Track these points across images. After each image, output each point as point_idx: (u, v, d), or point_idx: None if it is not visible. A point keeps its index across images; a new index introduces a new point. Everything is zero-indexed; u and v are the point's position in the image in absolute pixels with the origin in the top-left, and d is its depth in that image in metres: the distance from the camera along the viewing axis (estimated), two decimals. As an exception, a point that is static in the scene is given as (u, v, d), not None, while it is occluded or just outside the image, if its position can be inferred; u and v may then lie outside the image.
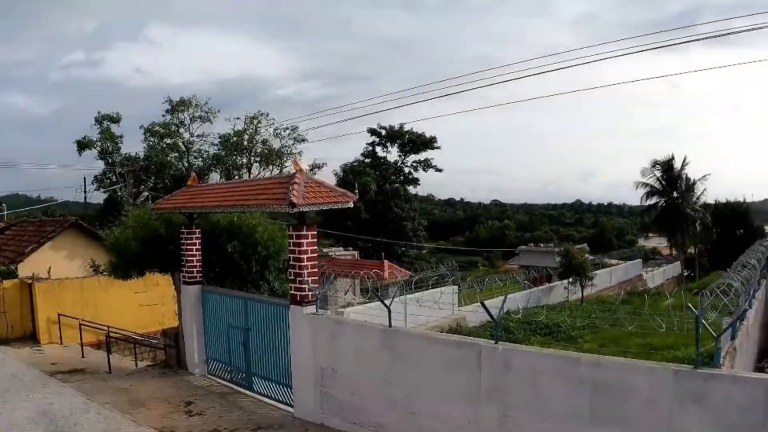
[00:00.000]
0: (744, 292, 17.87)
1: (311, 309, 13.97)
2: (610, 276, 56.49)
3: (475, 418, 11.55)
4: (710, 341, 10.39)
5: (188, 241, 17.53)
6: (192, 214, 17.36)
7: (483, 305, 12.66)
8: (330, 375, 13.68)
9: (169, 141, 71.55)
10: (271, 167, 72.53)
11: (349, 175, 73.17)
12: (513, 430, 11.17)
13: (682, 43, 31.52)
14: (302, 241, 13.68)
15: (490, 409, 11.31)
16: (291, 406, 14.77)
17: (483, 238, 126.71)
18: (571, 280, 45.41)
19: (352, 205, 14.52)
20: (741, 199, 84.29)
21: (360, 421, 13.33)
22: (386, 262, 46.53)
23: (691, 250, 79.90)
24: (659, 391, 9.80)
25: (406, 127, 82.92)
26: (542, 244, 77.89)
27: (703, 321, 9.93)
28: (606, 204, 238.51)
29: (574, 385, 10.46)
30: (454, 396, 11.79)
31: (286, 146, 72.84)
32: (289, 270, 14.19)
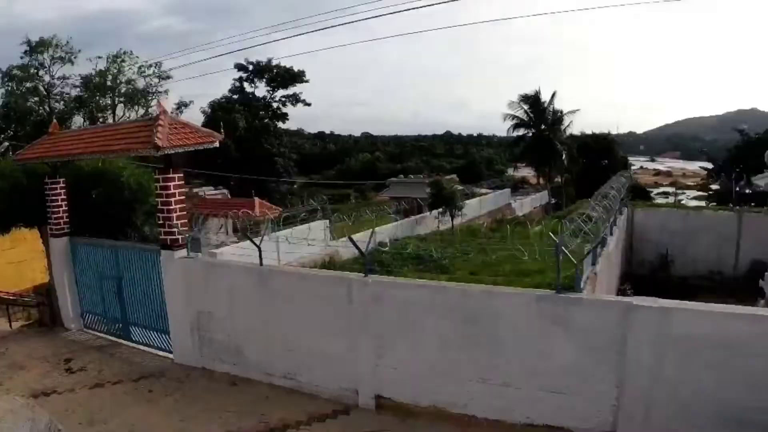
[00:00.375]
0: (604, 220, 18.75)
1: (182, 253, 14.04)
2: (479, 205, 57.81)
3: (351, 350, 12.05)
4: (573, 267, 10.99)
5: (53, 192, 16.98)
6: (56, 163, 16.78)
7: (351, 240, 12.92)
8: (207, 318, 13.86)
9: (28, 85, 67.26)
10: (136, 107, 70.12)
11: (218, 113, 71.55)
12: (387, 359, 11.72)
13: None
14: (169, 184, 13.58)
15: (365, 341, 11.81)
16: (171, 352, 14.86)
17: (354, 171, 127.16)
18: (441, 210, 46.16)
19: (218, 145, 14.45)
20: (606, 131, 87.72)
21: (240, 362, 13.64)
22: (257, 200, 46.34)
23: (558, 179, 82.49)
24: (523, 315, 10.53)
25: (274, 62, 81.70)
26: (412, 176, 78.98)
27: (563, 248, 10.46)
28: (476, 135, 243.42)
29: (442, 312, 11.03)
30: (330, 330, 12.22)
31: (151, 85, 70.51)
32: (158, 214, 14.08)
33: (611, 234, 22.00)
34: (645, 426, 10.15)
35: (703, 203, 55.28)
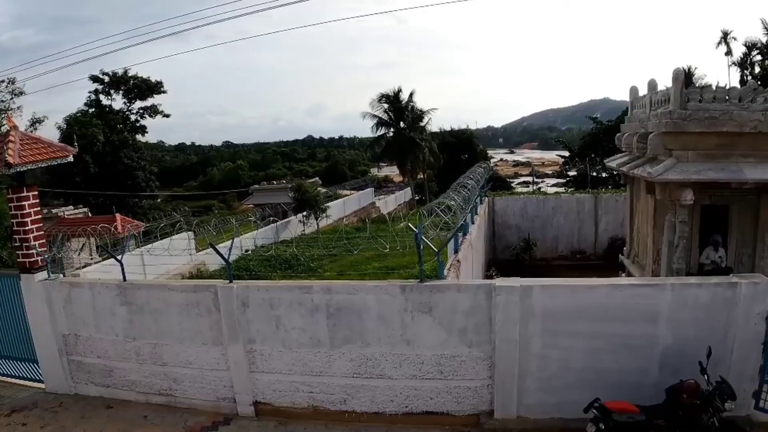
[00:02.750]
0: (463, 209, 19.32)
1: (43, 275, 13.49)
2: (343, 206, 58.18)
3: (223, 357, 12.02)
4: (436, 257, 11.34)
5: None
6: None
7: (213, 247, 12.88)
8: (73, 341, 13.44)
9: None
10: (-12, 125, 66.53)
11: (74, 127, 68.66)
12: (261, 363, 11.79)
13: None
14: (23, 203, 12.99)
15: (235, 347, 11.81)
16: (42, 381, 14.24)
17: (217, 180, 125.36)
18: (305, 213, 46.24)
19: (72, 159, 13.98)
20: (465, 127, 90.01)
21: (113, 383, 13.32)
22: (118, 216, 45.01)
23: (421, 176, 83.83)
24: (389, 306, 10.79)
25: (131, 73, 79.34)
26: (275, 182, 78.71)
27: (423, 238, 10.79)
28: (337, 137, 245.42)
29: (310, 311, 11.20)
30: (200, 340, 12.13)
31: (2, 101, 67.15)
32: (14, 236, 13.51)
33: (473, 222, 22.69)
34: (521, 401, 10.71)
35: (561, 189, 57.39)
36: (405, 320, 10.69)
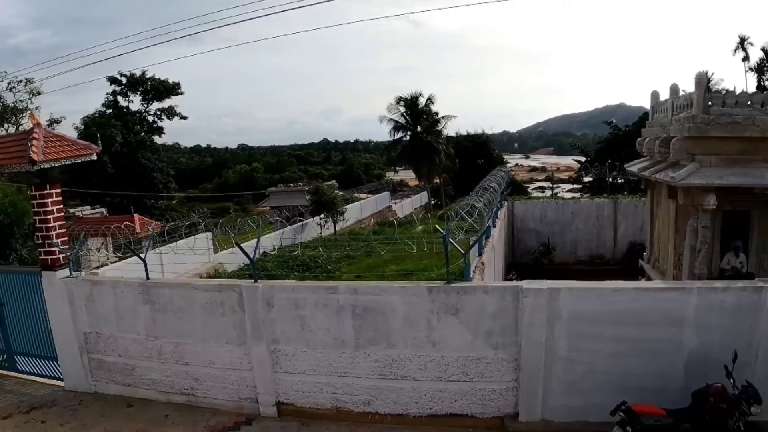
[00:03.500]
0: (487, 212, 19.32)
1: (65, 273, 13.52)
2: (360, 209, 58.40)
3: (246, 357, 12.03)
4: (461, 259, 11.36)
5: None
6: None
7: (238, 246, 12.87)
8: (95, 339, 13.45)
9: None
10: (6, 125, 66.74)
11: (92, 128, 68.69)
12: (285, 364, 11.79)
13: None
14: (47, 200, 13.00)
15: (259, 347, 11.81)
16: (62, 379, 14.25)
17: (232, 183, 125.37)
18: (323, 216, 46.37)
19: (96, 157, 14.00)
20: (481, 131, 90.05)
21: (133, 382, 13.32)
22: (136, 216, 45.35)
23: (437, 180, 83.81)
24: (416, 308, 10.79)
25: (149, 74, 79.45)
26: (291, 184, 78.93)
27: (450, 240, 10.82)
28: (353, 141, 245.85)
29: (335, 312, 11.20)
30: (223, 339, 12.14)
31: (21, 101, 67.32)
32: (36, 234, 13.54)
33: (494, 226, 22.69)
34: (545, 404, 10.70)
35: (578, 195, 57.29)
36: (431, 322, 10.70)
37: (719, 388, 9.05)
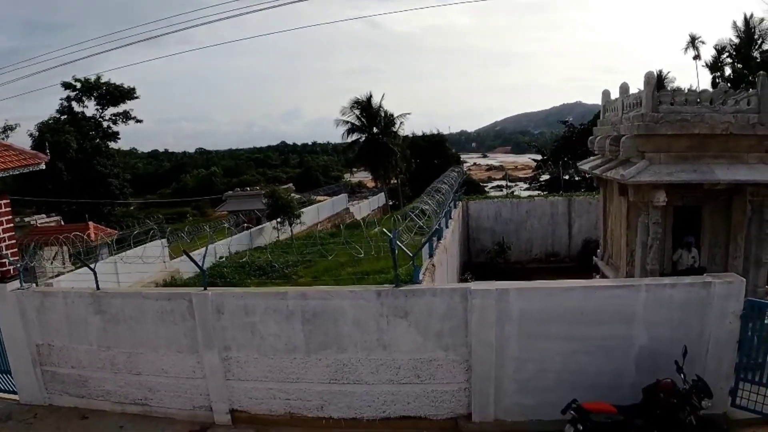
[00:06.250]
0: (438, 213, 19.35)
1: (15, 285, 13.25)
2: (317, 212, 58.29)
3: (198, 365, 11.92)
4: (410, 262, 11.34)
5: None
6: None
7: (187, 254, 12.77)
8: (47, 351, 13.23)
9: None
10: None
11: (47, 134, 67.88)
12: (237, 371, 11.71)
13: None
14: (-6, 211, 12.79)
15: (211, 355, 11.71)
16: (16, 393, 13.98)
17: (190, 187, 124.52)
18: (279, 219, 46.22)
19: (44, 166, 13.79)
20: (437, 132, 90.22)
21: (87, 393, 13.14)
22: (91, 224, 44.90)
23: (395, 181, 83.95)
24: (365, 311, 10.78)
25: (104, 79, 78.49)
26: (248, 188, 78.61)
27: (398, 243, 10.78)
28: (311, 143, 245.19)
29: (285, 318, 11.15)
30: (175, 348, 12.01)
31: (-28, 110, 66.37)
32: (-15, 246, 13.28)
33: (447, 226, 22.74)
34: (498, 404, 10.74)
35: (535, 193, 57.78)
36: (381, 325, 10.68)
37: (669, 383, 9.11)
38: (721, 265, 16.97)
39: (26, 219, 52.23)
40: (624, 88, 19.47)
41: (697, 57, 76.22)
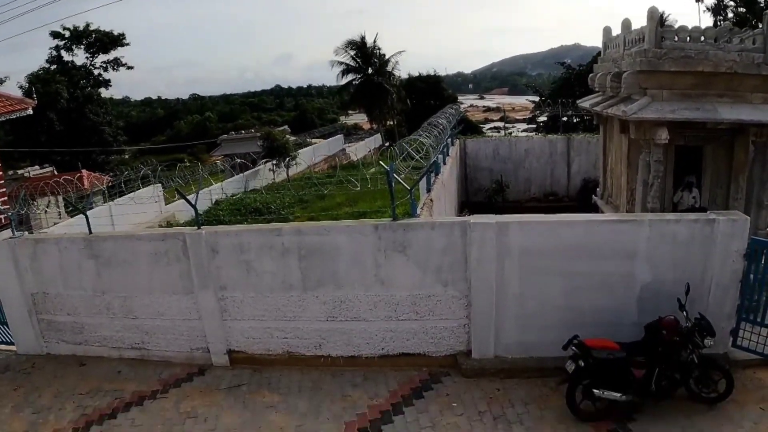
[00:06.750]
0: (435, 148, 19.15)
1: (7, 234, 13.07)
2: (313, 153, 57.89)
3: (194, 307, 11.81)
4: (407, 196, 11.17)
5: None
6: None
7: (179, 193, 12.60)
8: (42, 300, 13.06)
9: None
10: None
11: (37, 85, 67.13)
12: (233, 311, 11.62)
13: None
14: (-19, 161, 12.56)
15: (206, 295, 11.60)
16: (13, 344, 13.89)
17: (185, 133, 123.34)
18: (275, 161, 45.99)
19: (32, 111, 13.60)
20: (433, 73, 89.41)
21: (84, 340, 13.05)
22: (84, 172, 44.61)
23: (391, 122, 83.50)
24: (362, 246, 10.62)
25: (93, 26, 77.45)
26: (243, 131, 78.02)
27: (395, 176, 10.63)
28: (306, 86, 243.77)
29: (280, 255, 10.99)
30: (171, 290, 11.89)
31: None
32: (-26, 196, 13.08)
33: (444, 163, 22.57)
34: (498, 340, 10.66)
35: (532, 135, 57.51)
36: (378, 260, 10.54)
37: (672, 320, 9.01)
38: (722, 207, 16.94)
39: (19, 171, 51.84)
40: (626, 24, 19.16)
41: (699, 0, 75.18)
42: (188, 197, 12.20)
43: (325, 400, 10.45)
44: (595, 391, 8.92)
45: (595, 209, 23.13)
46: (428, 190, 17.21)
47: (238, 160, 40.68)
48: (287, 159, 46.18)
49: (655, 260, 9.87)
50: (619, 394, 8.90)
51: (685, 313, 9.15)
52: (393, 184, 10.68)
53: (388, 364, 11.09)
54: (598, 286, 10.02)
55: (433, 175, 18.56)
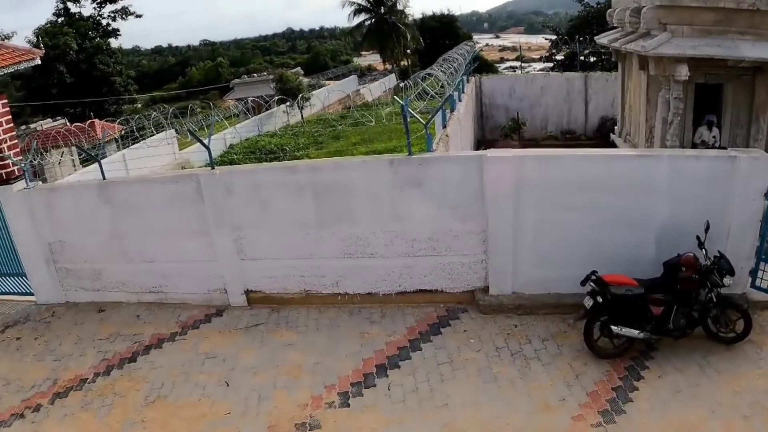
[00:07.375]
0: (450, 83, 18.97)
1: (21, 185, 12.98)
2: (327, 94, 57.40)
3: (210, 248, 11.83)
4: (423, 131, 11.09)
5: None
6: None
7: (191, 133, 12.54)
8: (59, 248, 13.08)
9: None
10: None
11: (45, 39, 66.72)
12: (249, 250, 11.65)
13: None
14: (-8, 112, 12.45)
15: (222, 236, 11.62)
16: (32, 294, 13.94)
17: (197, 80, 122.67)
18: (288, 103, 45.81)
19: (39, 61, 13.35)
20: (447, 12, 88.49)
21: (102, 286, 13.13)
22: (96, 121, 44.63)
23: (405, 62, 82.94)
24: (377, 182, 10.60)
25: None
26: (255, 75, 77.63)
27: (410, 110, 10.53)
28: (318, 29, 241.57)
29: (296, 192, 10.97)
30: (186, 232, 11.90)
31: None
32: (-14, 148, 12.98)
33: (459, 99, 22.38)
34: (516, 276, 10.66)
35: (549, 72, 56.91)
36: (394, 196, 10.51)
37: (691, 257, 8.95)
38: (742, 146, 16.67)
39: (32, 125, 51.85)
40: (646, -43, 18.77)
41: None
42: (202, 140, 12.14)
43: (343, 337, 10.56)
44: (612, 327, 8.91)
45: (613, 147, 22.98)
46: (444, 126, 17.07)
47: (251, 103, 40.50)
48: (301, 99, 45.97)
49: (674, 197, 9.75)
50: (636, 332, 8.90)
51: (704, 251, 9.09)
52: (408, 119, 10.58)
53: (405, 301, 11.15)
54: (616, 222, 9.93)
55: (448, 111, 18.38)
